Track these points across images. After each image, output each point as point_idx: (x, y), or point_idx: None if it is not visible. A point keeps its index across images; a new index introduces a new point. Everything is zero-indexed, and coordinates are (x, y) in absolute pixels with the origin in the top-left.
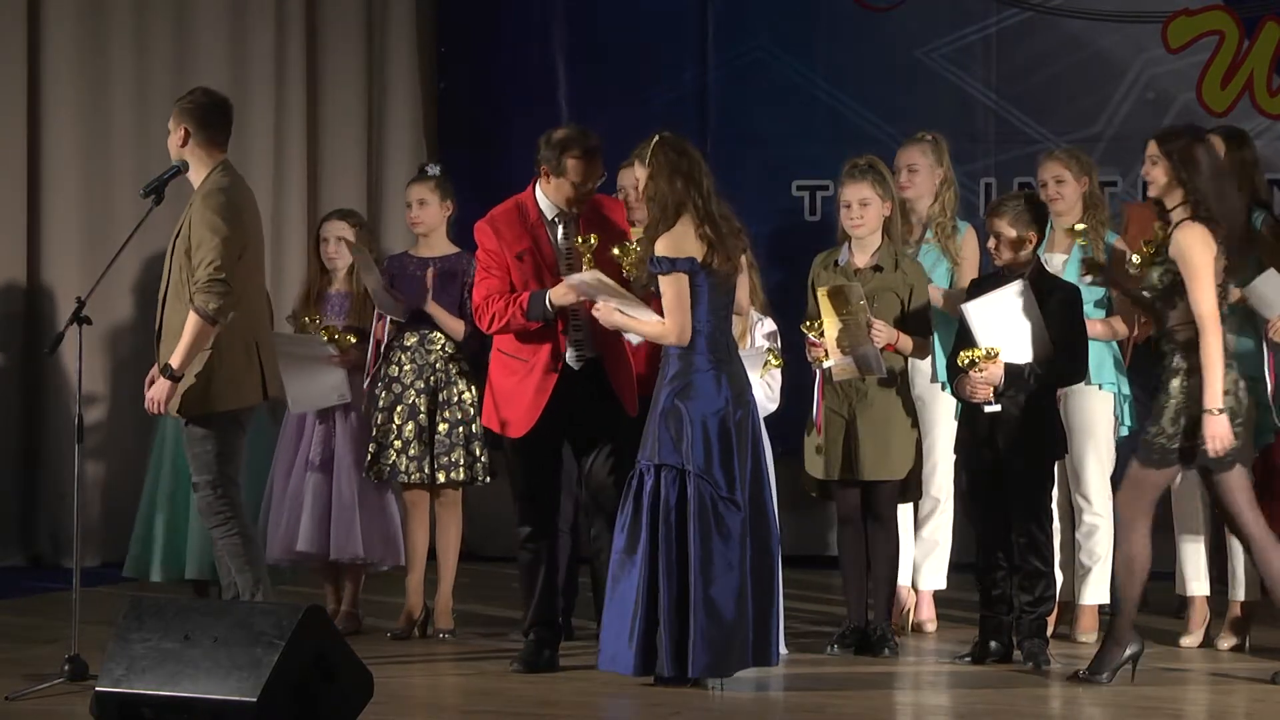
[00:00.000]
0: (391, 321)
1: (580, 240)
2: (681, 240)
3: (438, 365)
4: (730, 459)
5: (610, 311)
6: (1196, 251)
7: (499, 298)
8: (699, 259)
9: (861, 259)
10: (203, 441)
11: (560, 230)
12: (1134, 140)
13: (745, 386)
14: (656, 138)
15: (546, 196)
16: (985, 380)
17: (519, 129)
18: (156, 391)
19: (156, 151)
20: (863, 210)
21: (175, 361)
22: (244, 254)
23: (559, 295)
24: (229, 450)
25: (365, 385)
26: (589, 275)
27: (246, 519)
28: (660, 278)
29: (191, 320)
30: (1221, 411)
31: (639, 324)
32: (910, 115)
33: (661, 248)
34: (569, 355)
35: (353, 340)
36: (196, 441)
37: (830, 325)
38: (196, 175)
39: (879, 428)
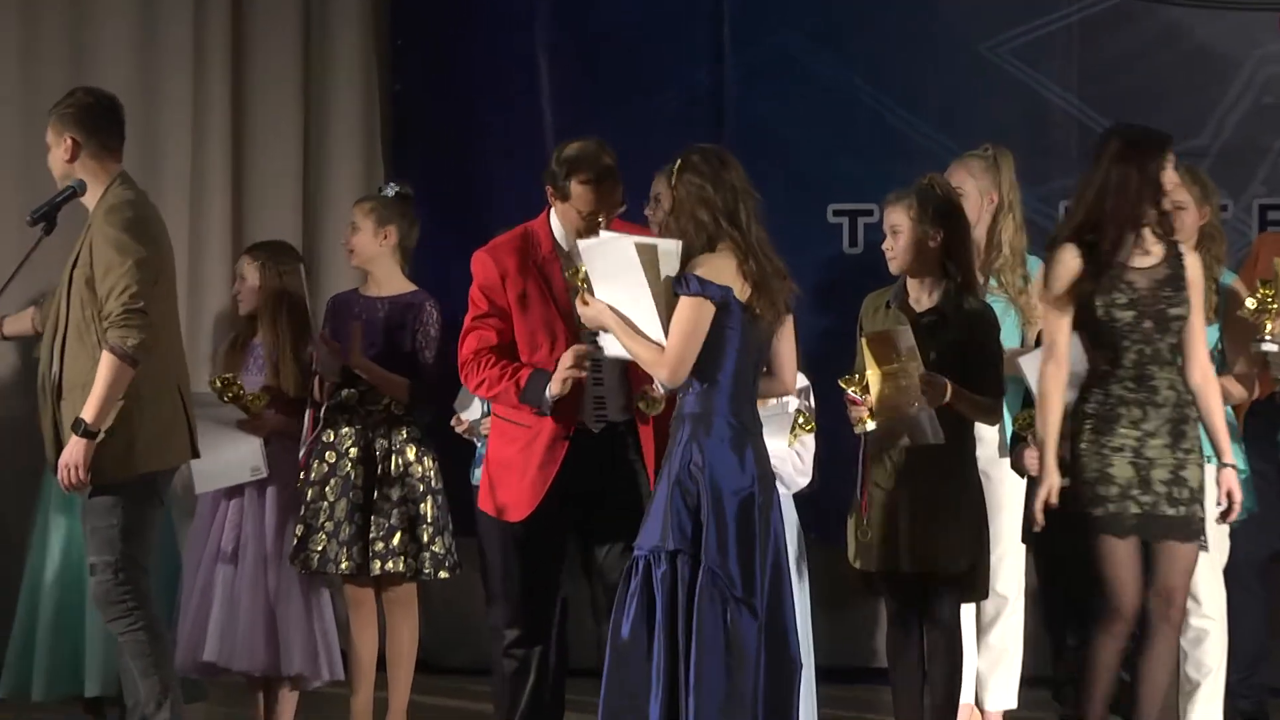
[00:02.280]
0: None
1: (572, 271)
2: (721, 270)
3: (380, 430)
4: (751, 554)
5: (599, 305)
6: None
7: (493, 361)
8: (737, 295)
9: (917, 299)
10: (108, 513)
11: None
12: (1246, 154)
13: (769, 468)
14: (680, 159)
15: (562, 224)
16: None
17: (493, 140)
18: (70, 455)
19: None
20: (894, 240)
21: (89, 415)
22: (159, 279)
23: (558, 385)
24: (138, 524)
25: (302, 456)
26: (592, 312)
27: (155, 611)
28: (681, 298)
29: (106, 362)
30: None
31: (632, 338)
32: (972, 123)
33: (696, 266)
34: (589, 416)
35: (264, 403)
36: (101, 513)
37: (875, 380)
38: (92, 193)
39: (936, 508)
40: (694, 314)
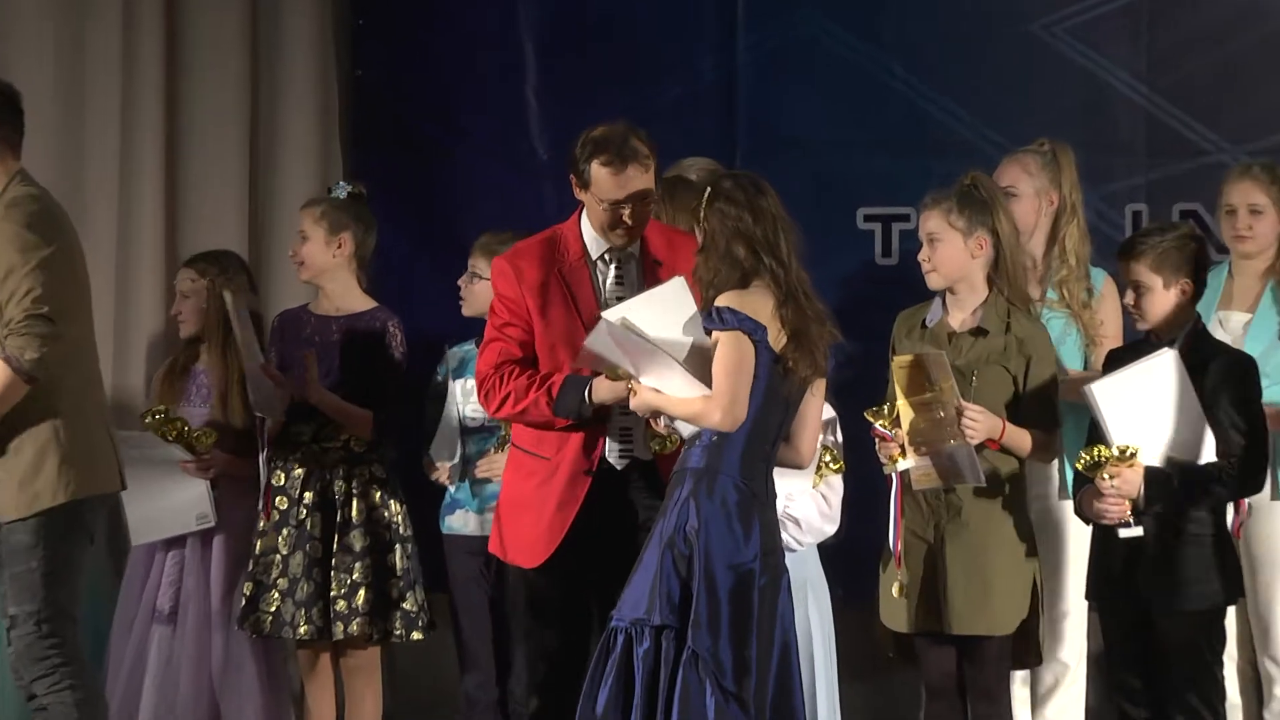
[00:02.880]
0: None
1: (610, 368)
2: (757, 309)
3: (339, 471)
4: (746, 639)
5: (646, 392)
6: None
7: (518, 372)
8: (770, 342)
9: (958, 318)
10: (27, 554)
11: (611, 275)
12: None
13: (778, 544)
14: (710, 187)
15: (589, 220)
16: (1119, 492)
17: (469, 136)
18: None
19: None
20: (931, 249)
21: None
22: (70, 282)
23: (604, 389)
24: (63, 566)
25: (263, 513)
26: (641, 401)
27: (88, 669)
28: (716, 334)
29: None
30: None
31: (677, 403)
32: (1024, 115)
33: (729, 299)
34: (611, 453)
35: (211, 439)
36: (18, 554)
37: (907, 412)
38: None
39: (979, 560)
40: (735, 346)
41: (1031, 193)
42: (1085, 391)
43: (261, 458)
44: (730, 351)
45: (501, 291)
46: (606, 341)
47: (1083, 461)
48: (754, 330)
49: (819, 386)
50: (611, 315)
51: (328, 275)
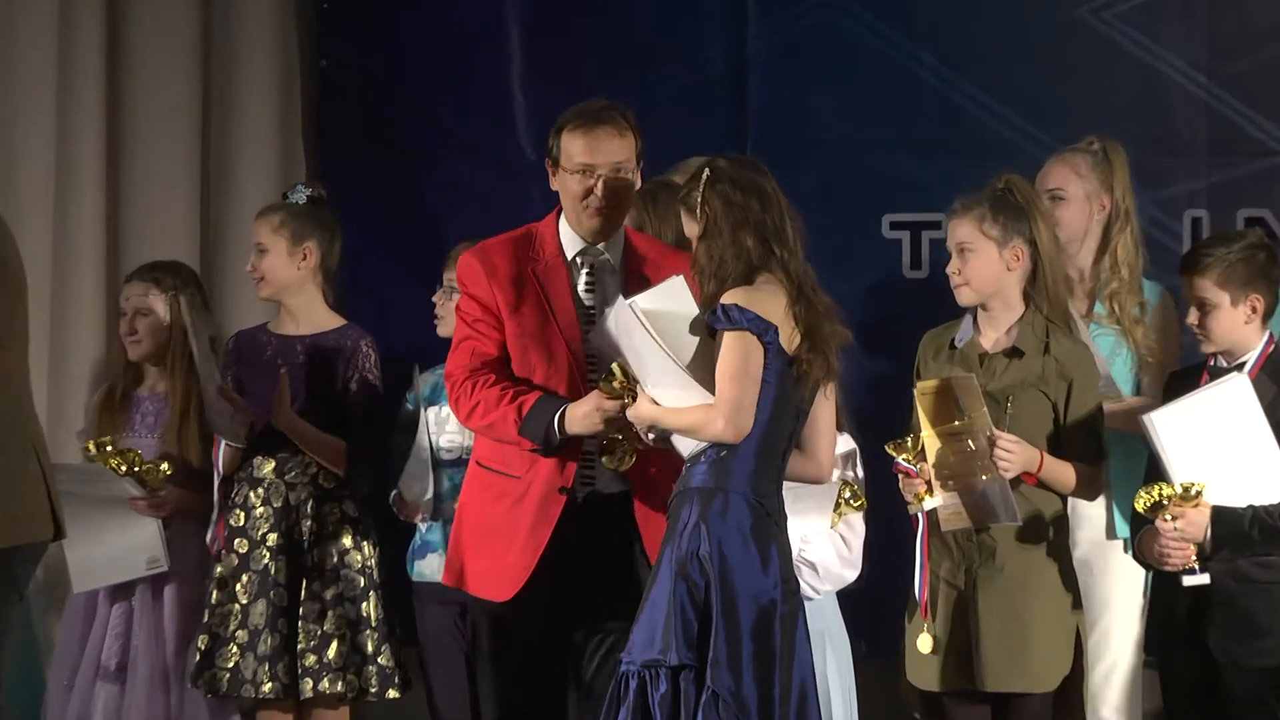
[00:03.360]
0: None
1: (607, 378)
2: (767, 307)
3: (306, 509)
4: (770, 677)
5: (644, 405)
6: None
7: (493, 380)
8: (783, 342)
9: (991, 337)
10: None
11: (582, 279)
12: None
13: (793, 570)
14: (707, 170)
15: (564, 205)
16: (1182, 535)
17: (448, 133)
18: None
19: None
20: (963, 261)
21: None
22: (7, 296)
23: (577, 419)
24: None
25: (212, 547)
26: (643, 413)
27: None
28: (722, 334)
29: None
30: None
31: (677, 415)
32: (1071, 110)
33: (737, 296)
34: (574, 484)
35: (166, 473)
36: None
37: (934, 443)
38: None
39: (1016, 609)
40: (741, 348)
41: (1081, 196)
42: (1144, 421)
43: (216, 482)
44: (736, 354)
45: (470, 289)
46: (623, 325)
47: (1142, 501)
48: (764, 331)
49: (831, 390)
50: (641, 302)
51: (291, 290)
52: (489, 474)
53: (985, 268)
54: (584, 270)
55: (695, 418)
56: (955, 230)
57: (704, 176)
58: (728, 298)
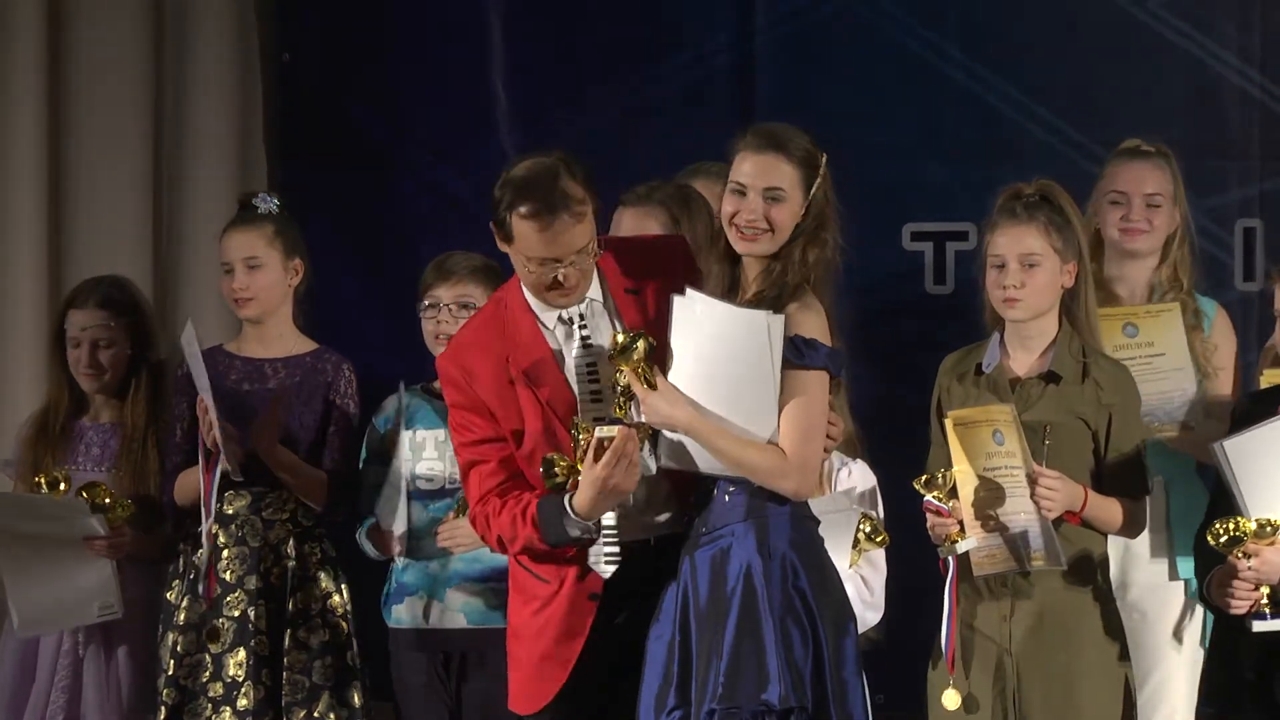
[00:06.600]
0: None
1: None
2: (825, 325)
3: (287, 549)
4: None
5: (682, 405)
6: None
7: (499, 506)
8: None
9: (1024, 362)
10: None
11: (577, 339)
12: None
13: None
14: (806, 146)
15: (524, 286)
16: (1256, 576)
17: (422, 134)
18: None
19: None
20: (1027, 274)
21: None
22: None
23: (584, 499)
24: None
25: (209, 595)
26: (664, 402)
27: None
28: (800, 374)
29: None
30: None
31: (739, 446)
32: (1112, 111)
33: (807, 323)
34: (597, 558)
35: (130, 509)
36: None
37: (967, 480)
38: None
39: (1059, 661)
40: (820, 395)
41: (1171, 202)
42: (1215, 449)
43: (204, 527)
44: (815, 403)
45: (454, 400)
46: (735, 331)
47: (1217, 536)
48: (840, 367)
49: (837, 386)
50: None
51: (273, 311)
52: (523, 573)
53: (1048, 284)
54: (575, 325)
55: (763, 461)
56: (1021, 238)
57: (823, 164)
58: (801, 325)
